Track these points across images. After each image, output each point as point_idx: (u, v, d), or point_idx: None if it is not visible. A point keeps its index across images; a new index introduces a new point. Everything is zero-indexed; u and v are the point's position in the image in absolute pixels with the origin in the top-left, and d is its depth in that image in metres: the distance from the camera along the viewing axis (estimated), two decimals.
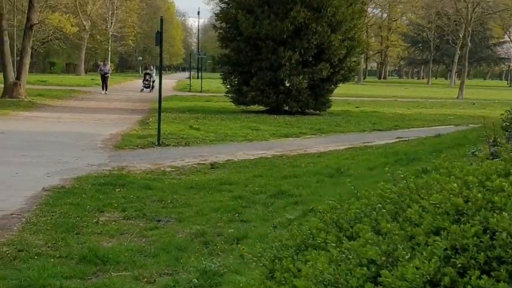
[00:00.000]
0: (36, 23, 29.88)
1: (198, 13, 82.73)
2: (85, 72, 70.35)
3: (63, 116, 21.67)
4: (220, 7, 26.86)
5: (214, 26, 27.47)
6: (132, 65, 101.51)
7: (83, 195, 8.54)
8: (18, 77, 28.40)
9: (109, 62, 40.88)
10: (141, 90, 40.42)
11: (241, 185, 9.65)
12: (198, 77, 59.66)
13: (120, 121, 20.88)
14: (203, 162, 12.40)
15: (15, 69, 30.08)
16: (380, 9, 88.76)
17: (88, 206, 7.91)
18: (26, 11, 29.43)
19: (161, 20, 15.16)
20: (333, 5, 23.77)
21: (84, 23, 63.14)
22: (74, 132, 17.14)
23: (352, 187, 7.91)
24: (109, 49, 65.50)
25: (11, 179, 9.79)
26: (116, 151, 13.75)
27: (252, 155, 13.46)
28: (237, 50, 24.85)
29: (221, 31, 26.09)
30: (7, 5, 35.20)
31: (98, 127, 18.66)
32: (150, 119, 20.60)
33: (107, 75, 38.34)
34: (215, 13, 29.77)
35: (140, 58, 78.22)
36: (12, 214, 7.58)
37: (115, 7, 63.85)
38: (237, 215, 7.69)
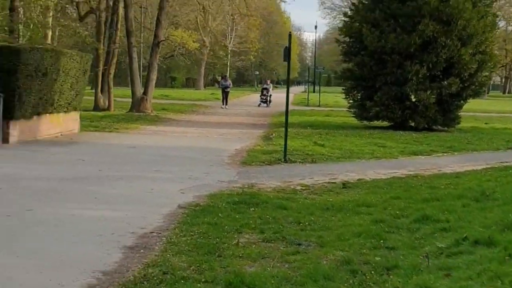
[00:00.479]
0: (163, 40, 30.76)
1: (316, 27, 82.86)
2: (204, 87, 71.99)
3: (188, 131, 21.99)
4: (344, 21, 26.52)
5: (337, 40, 27.07)
6: (248, 80, 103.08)
7: (220, 214, 8.37)
8: (145, 92, 29.30)
9: (228, 76, 41.41)
10: (259, 105, 40.69)
11: (380, 208, 9.16)
12: (314, 91, 59.50)
13: (243, 136, 20.91)
14: (333, 180, 12.00)
15: (141, 84, 31.11)
16: (505, 22, 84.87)
17: (226, 227, 7.72)
18: (154, 28, 30.43)
19: (290, 35, 14.96)
20: (464, 18, 22.77)
21: (204, 39, 64.62)
22: (200, 147, 17.27)
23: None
24: (228, 64, 66.64)
25: (147, 195, 9.82)
26: (243, 167, 13.63)
27: (383, 174, 12.92)
28: (360, 65, 24.31)
29: (344, 45, 25.68)
30: (134, 22, 36.43)
31: (223, 142, 18.73)
32: (273, 135, 20.49)
33: (228, 89, 38.81)
34: (338, 27, 29.39)
35: (257, 72, 79.06)
36: (152, 232, 7.52)
37: (234, 23, 64.99)
38: (381, 241, 7.22)
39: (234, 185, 11.05)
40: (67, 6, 28.04)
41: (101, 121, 23.53)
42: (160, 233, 7.47)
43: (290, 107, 40.29)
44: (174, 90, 63.69)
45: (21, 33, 25.05)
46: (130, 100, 29.94)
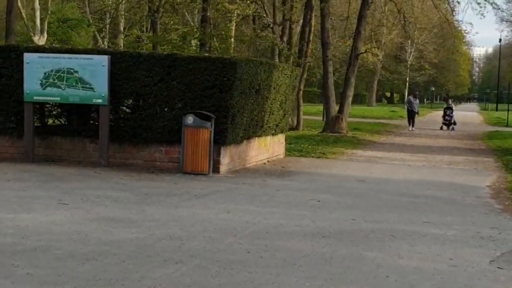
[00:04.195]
0: (362, 53, 27.89)
1: (500, 40, 76.26)
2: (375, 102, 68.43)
3: (405, 158, 18.77)
4: None
5: None
6: (420, 96, 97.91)
7: None
8: (340, 111, 26.53)
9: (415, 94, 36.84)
10: (441, 128, 35.20)
11: None
12: (496, 109, 54.15)
13: (474, 165, 17.50)
14: None
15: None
16: None
17: None
18: (352, 40, 27.64)
19: None
20: None
21: (378, 52, 61.01)
22: (440, 181, 13.94)
23: None
24: (407, 79, 62.60)
25: (459, 273, 6.66)
26: None
27: None
28: None
29: None
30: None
31: (461, 174, 15.25)
32: None
33: (413, 108, 34.31)
34: None
35: (433, 88, 74.06)
36: None
37: (411, 37, 60.75)
38: None
39: None
40: (264, 16, 25.85)
41: (298, 143, 20.89)
42: None
43: (487, 128, 35.82)
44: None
45: (212, 46, 23.19)
46: (314, 118, 27.40)
